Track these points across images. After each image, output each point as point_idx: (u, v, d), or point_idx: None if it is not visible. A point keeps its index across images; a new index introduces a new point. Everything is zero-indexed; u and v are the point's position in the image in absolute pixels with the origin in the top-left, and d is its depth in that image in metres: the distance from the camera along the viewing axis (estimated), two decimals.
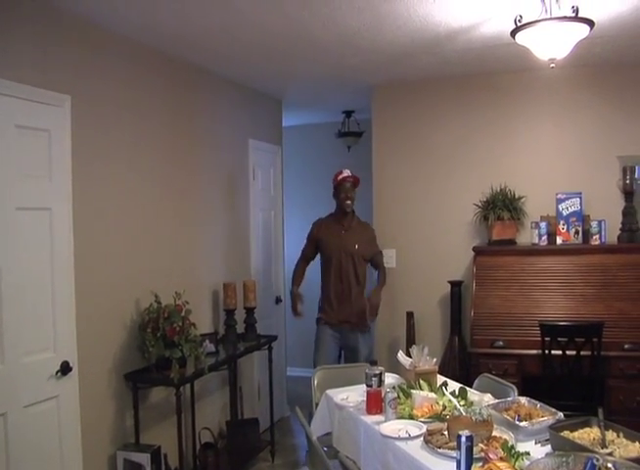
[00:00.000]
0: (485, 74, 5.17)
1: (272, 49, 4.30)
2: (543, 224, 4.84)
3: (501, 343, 4.39)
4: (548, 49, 3.36)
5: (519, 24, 3.26)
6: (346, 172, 4.98)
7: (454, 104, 5.36)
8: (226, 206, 5.10)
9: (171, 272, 4.28)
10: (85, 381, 3.52)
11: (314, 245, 5.09)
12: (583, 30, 3.22)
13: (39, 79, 3.22)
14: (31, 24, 3.19)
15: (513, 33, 3.34)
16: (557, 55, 3.37)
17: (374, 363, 3.24)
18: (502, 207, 4.99)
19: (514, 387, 3.38)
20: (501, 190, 5.10)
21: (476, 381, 3.69)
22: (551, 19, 3.15)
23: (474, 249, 4.97)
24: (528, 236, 4.99)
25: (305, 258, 5.19)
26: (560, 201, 4.80)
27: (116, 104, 3.83)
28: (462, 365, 4.81)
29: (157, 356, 3.78)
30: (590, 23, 3.18)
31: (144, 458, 3.67)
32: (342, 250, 4.92)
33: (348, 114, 6.87)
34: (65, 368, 3.36)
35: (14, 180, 3.10)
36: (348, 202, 4.95)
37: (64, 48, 3.41)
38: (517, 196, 5.05)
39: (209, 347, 4.25)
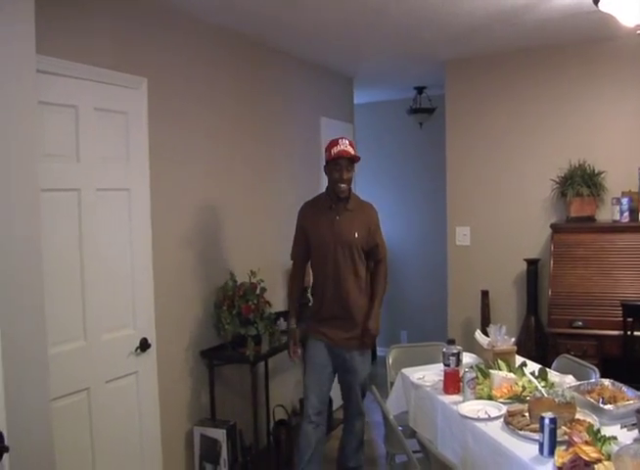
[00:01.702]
0: (564, 46, 4.97)
1: (345, 25, 4.24)
2: (625, 200, 4.65)
3: (580, 323, 4.26)
4: (635, 14, 3.19)
5: None
6: (344, 144, 3.67)
7: (530, 77, 5.18)
8: (299, 184, 5.09)
9: (246, 251, 4.32)
10: (163, 357, 3.60)
11: (304, 239, 3.84)
12: None
13: (116, 63, 3.27)
14: (109, 9, 3.24)
15: (596, 0, 3.19)
16: None
17: (451, 342, 3.17)
18: (581, 182, 4.81)
19: (595, 369, 3.29)
20: (580, 165, 4.92)
21: (555, 362, 3.60)
22: None
23: (551, 226, 4.83)
24: (609, 213, 4.81)
25: (299, 262, 3.91)
26: None
27: (191, 85, 3.87)
28: (538, 346, 4.70)
29: (232, 334, 3.84)
30: None
31: (220, 434, 3.74)
32: (337, 242, 3.70)
33: (420, 90, 6.74)
34: (143, 345, 3.45)
35: (94, 162, 3.18)
36: (343, 185, 3.68)
37: (140, 31, 3.45)
38: (596, 171, 4.86)
39: (284, 325, 4.28)
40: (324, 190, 3.92)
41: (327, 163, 3.73)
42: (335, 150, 3.65)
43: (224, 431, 3.75)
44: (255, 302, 3.84)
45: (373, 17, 4.08)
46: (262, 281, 3.96)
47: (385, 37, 4.60)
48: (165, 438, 3.62)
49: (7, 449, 1.75)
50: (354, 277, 3.75)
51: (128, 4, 3.35)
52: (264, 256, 4.53)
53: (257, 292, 3.91)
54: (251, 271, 3.96)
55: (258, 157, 4.58)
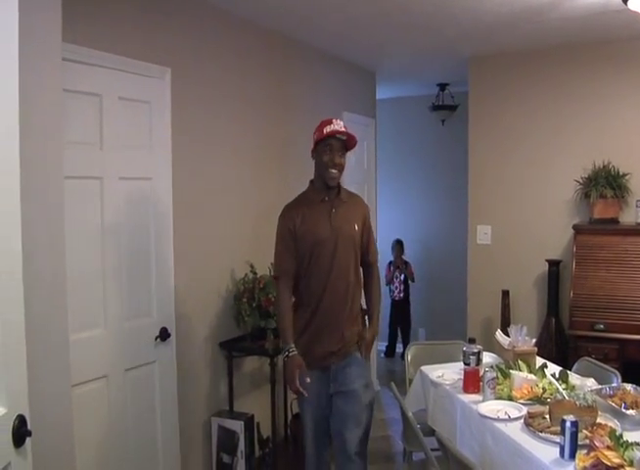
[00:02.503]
0: (589, 44, 4.91)
1: (368, 20, 4.22)
2: None
3: (602, 326, 4.22)
4: None
5: None
6: (338, 124, 3.15)
7: (554, 76, 5.12)
8: None
9: (267, 243, 4.28)
10: (182, 347, 3.61)
11: (294, 248, 3.18)
12: None
13: (141, 52, 3.27)
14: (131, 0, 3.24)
15: None
16: None
17: (472, 341, 3.16)
18: (605, 184, 4.76)
19: (617, 373, 3.25)
20: (604, 166, 4.86)
21: (575, 364, 3.57)
22: None
23: (574, 227, 4.78)
24: (633, 215, 4.75)
25: (287, 278, 3.22)
26: None
27: (215, 76, 3.87)
28: (559, 347, 4.66)
29: (252, 326, 3.84)
30: None
31: (238, 426, 3.75)
32: (339, 237, 3.16)
33: (443, 86, 6.70)
34: (163, 334, 3.46)
35: (117, 150, 3.19)
36: (334, 171, 3.13)
37: (164, 21, 3.45)
38: (621, 173, 4.81)
39: None
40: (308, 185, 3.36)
41: (316, 144, 3.17)
42: (327, 129, 3.12)
43: (242, 423, 3.75)
44: (275, 294, 3.83)
45: (397, 12, 4.05)
46: None
47: (408, 33, 4.58)
48: (183, 428, 3.62)
49: (29, 434, 1.76)
50: (356, 278, 3.25)
51: None
52: None
53: None
54: (272, 264, 3.93)
55: (281, 148, 4.57)
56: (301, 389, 3.05)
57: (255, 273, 3.93)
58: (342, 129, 3.13)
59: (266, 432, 4.01)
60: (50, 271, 2.28)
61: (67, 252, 2.40)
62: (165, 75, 3.45)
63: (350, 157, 5.49)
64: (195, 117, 3.70)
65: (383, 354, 7.24)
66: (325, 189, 3.20)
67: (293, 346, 3.09)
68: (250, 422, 3.82)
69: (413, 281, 7.06)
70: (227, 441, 3.78)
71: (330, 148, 3.12)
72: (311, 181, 3.30)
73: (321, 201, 3.21)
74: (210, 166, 3.84)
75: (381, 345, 6.92)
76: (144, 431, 3.39)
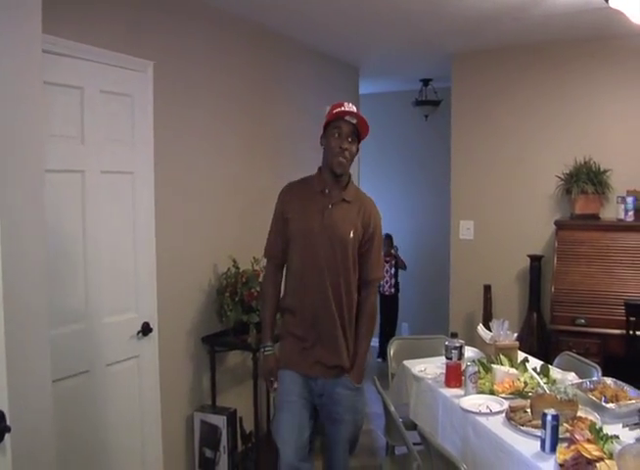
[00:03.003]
0: (572, 42, 4.94)
1: (352, 16, 4.21)
2: (630, 199, 4.63)
3: (583, 321, 4.25)
4: None
5: None
6: (349, 106, 2.86)
7: (538, 73, 5.15)
8: (304, 172, 5.04)
9: (249, 238, 4.29)
10: (164, 342, 3.59)
11: (284, 230, 2.96)
12: None
13: (123, 45, 3.24)
14: None
15: None
16: None
17: (454, 335, 3.17)
18: (586, 180, 4.80)
19: (597, 367, 3.28)
20: (585, 162, 4.90)
21: (556, 359, 3.59)
22: None
23: (556, 223, 4.81)
24: (614, 211, 4.79)
25: (277, 261, 3.04)
26: None
27: (198, 70, 3.84)
28: (540, 342, 4.69)
29: (234, 321, 3.83)
30: None
31: (220, 420, 3.75)
32: (327, 238, 2.84)
33: (426, 82, 6.71)
34: (145, 329, 3.45)
35: (99, 144, 3.16)
36: (341, 158, 2.83)
37: (148, 14, 3.42)
38: (602, 169, 4.85)
39: None
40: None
41: (325, 128, 2.90)
42: (338, 110, 2.84)
43: (224, 417, 3.75)
44: (258, 289, 3.82)
45: (382, 8, 4.05)
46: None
47: (392, 28, 4.58)
48: (166, 423, 3.61)
49: (9, 429, 1.75)
50: (345, 288, 2.87)
51: None
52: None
53: (260, 279, 3.88)
54: (254, 258, 3.94)
55: (264, 144, 4.56)
56: (272, 390, 2.99)
57: (238, 268, 3.93)
58: (354, 110, 2.85)
59: (249, 426, 4.00)
60: (30, 265, 2.26)
61: (48, 245, 2.38)
62: (148, 69, 3.42)
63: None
64: (178, 111, 3.68)
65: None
66: (330, 179, 2.90)
67: (269, 344, 2.97)
68: (232, 417, 3.81)
69: (405, 269, 7.02)
70: (210, 436, 3.77)
71: (338, 131, 2.83)
72: (319, 168, 3.00)
73: (320, 191, 2.92)
74: (193, 161, 3.82)
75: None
76: (126, 426, 3.37)
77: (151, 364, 3.52)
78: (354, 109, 2.87)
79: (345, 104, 2.87)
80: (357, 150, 2.91)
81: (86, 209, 3.09)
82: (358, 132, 2.88)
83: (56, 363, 2.52)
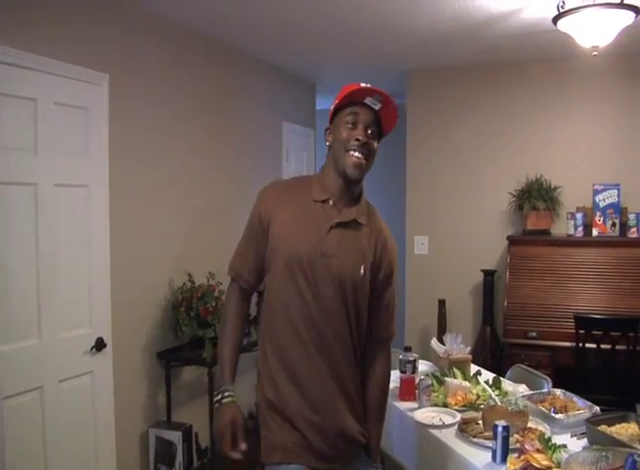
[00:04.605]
0: (523, 62, 5.08)
1: (307, 32, 4.27)
2: (579, 215, 4.76)
3: (534, 334, 4.34)
4: (591, 36, 3.32)
5: (561, 11, 3.23)
6: (367, 86, 2.03)
7: (491, 92, 5.28)
8: (260, 188, 5.06)
9: (205, 252, 4.29)
10: (119, 358, 3.55)
11: (260, 247, 2.11)
12: (628, 17, 3.19)
13: (79, 58, 3.23)
14: (72, 3, 3.19)
15: (555, 20, 3.30)
16: (600, 43, 3.34)
17: (408, 349, 3.20)
18: (537, 196, 4.92)
19: (548, 379, 3.34)
20: (537, 179, 5.03)
21: (509, 371, 3.65)
22: (595, 5, 3.11)
23: (508, 238, 4.91)
24: (564, 227, 4.92)
25: (242, 284, 2.19)
26: (597, 192, 4.71)
27: (154, 83, 3.84)
28: (494, 355, 4.78)
29: (190, 336, 3.82)
30: (636, 9, 3.15)
31: (175, 436, 3.71)
32: (328, 273, 2.00)
33: None
34: (99, 344, 3.40)
35: (53, 157, 3.12)
36: (358, 155, 2.01)
37: (103, 27, 3.41)
38: (553, 186, 4.98)
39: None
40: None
41: (333, 116, 2.11)
42: (353, 89, 2.02)
43: (180, 433, 3.72)
44: (214, 304, 3.82)
45: (337, 27, 4.12)
46: (221, 283, 3.92)
47: (346, 46, 4.66)
48: (120, 439, 3.56)
49: None
50: (351, 344, 2.06)
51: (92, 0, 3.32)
52: (223, 257, 4.46)
53: (216, 294, 3.88)
54: (210, 273, 3.93)
55: (220, 158, 4.56)
56: (235, 454, 1.99)
57: (193, 282, 3.91)
58: (376, 89, 2.01)
59: (205, 442, 3.97)
60: None
61: None
62: (104, 82, 3.41)
63: (291, 166, 5.59)
64: (133, 124, 3.67)
65: None
66: (338, 187, 2.07)
67: (230, 388, 2.08)
68: (188, 432, 3.78)
69: None
70: (165, 452, 3.73)
71: (354, 118, 2.02)
72: (322, 168, 2.16)
73: (322, 202, 2.06)
74: (148, 175, 3.81)
75: None
76: (79, 443, 3.31)
77: (105, 380, 3.47)
78: (375, 88, 2.02)
79: (363, 84, 2.03)
80: (377, 150, 2.08)
81: (39, 222, 3.05)
82: (381, 124, 2.08)
83: (6, 380, 2.49)
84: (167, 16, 3.84)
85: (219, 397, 2.08)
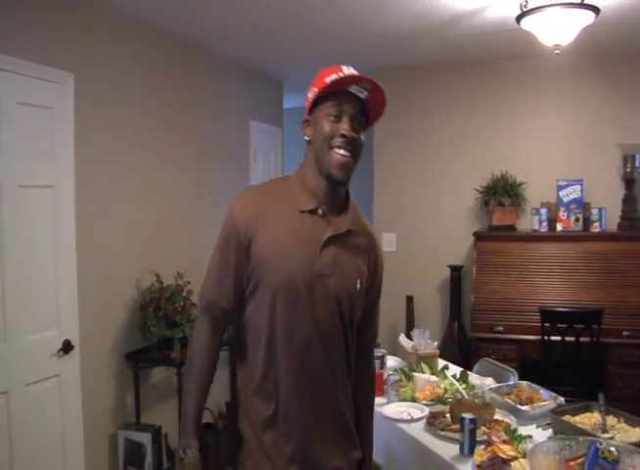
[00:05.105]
0: (488, 60, 5.15)
1: (274, 30, 4.27)
2: (544, 211, 4.85)
3: (501, 328, 4.41)
4: (553, 35, 3.39)
5: (524, 10, 3.29)
6: (350, 70, 1.79)
7: (456, 89, 5.34)
8: (227, 187, 5.07)
9: (173, 252, 4.27)
10: (86, 360, 3.52)
11: (239, 270, 1.83)
12: (589, 17, 3.26)
13: (43, 57, 3.18)
14: (36, 2, 3.15)
15: (518, 19, 3.36)
16: (562, 41, 3.41)
17: (376, 345, 3.23)
18: (503, 192, 5.00)
19: (514, 371, 3.40)
20: (502, 176, 5.10)
21: (476, 365, 3.70)
22: (557, 4, 3.17)
23: (474, 234, 4.98)
24: (529, 222, 5.00)
25: (216, 315, 1.88)
26: (560, 188, 4.81)
27: (120, 82, 3.81)
28: (461, 350, 4.84)
29: (158, 336, 3.80)
30: (596, 9, 3.22)
31: (145, 438, 3.69)
32: (324, 294, 1.79)
33: None
34: (66, 347, 3.37)
35: (17, 157, 3.08)
36: (344, 153, 1.78)
37: (68, 26, 3.37)
38: (518, 182, 5.06)
39: None
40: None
41: (312, 107, 1.86)
42: (333, 77, 1.77)
43: (149, 435, 3.69)
44: (182, 304, 3.80)
45: (304, 25, 4.13)
46: (189, 283, 3.92)
47: (315, 45, 4.67)
48: (89, 442, 3.53)
49: None
50: (345, 359, 1.88)
51: None
52: (191, 257, 4.47)
53: (184, 294, 3.86)
54: (178, 273, 3.92)
55: (187, 158, 4.54)
56: None
57: (161, 282, 3.89)
58: (363, 75, 1.77)
59: (174, 443, 3.95)
60: None
61: None
62: (69, 81, 3.37)
63: (258, 165, 5.60)
64: (99, 123, 3.63)
65: None
66: (324, 190, 1.84)
67: (194, 443, 1.84)
68: (157, 434, 3.76)
69: None
70: (134, 454, 3.71)
71: (338, 110, 1.78)
72: (302, 167, 1.93)
73: (310, 212, 1.82)
74: (115, 175, 3.77)
75: None
76: (47, 447, 3.28)
77: (72, 383, 3.44)
78: (362, 75, 1.77)
79: (343, 67, 1.80)
80: (364, 144, 1.85)
81: (3, 223, 3.00)
82: (367, 114, 1.84)
83: None
84: (133, 14, 3.81)
85: (183, 454, 1.85)
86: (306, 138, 1.89)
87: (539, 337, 4.19)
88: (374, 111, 1.85)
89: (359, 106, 1.80)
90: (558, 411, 2.54)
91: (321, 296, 1.78)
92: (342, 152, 1.77)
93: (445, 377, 3.14)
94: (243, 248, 1.80)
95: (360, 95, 1.78)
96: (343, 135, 1.77)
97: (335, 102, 1.78)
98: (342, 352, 1.85)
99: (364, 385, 2.04)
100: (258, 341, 1.82)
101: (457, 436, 2.42)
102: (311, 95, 1.84)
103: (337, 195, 1.86)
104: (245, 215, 1.80)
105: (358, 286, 1.86)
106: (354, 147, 1.79)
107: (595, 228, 4.70)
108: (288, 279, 1.76)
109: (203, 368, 1.88)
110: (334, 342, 1.82)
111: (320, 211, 1.82)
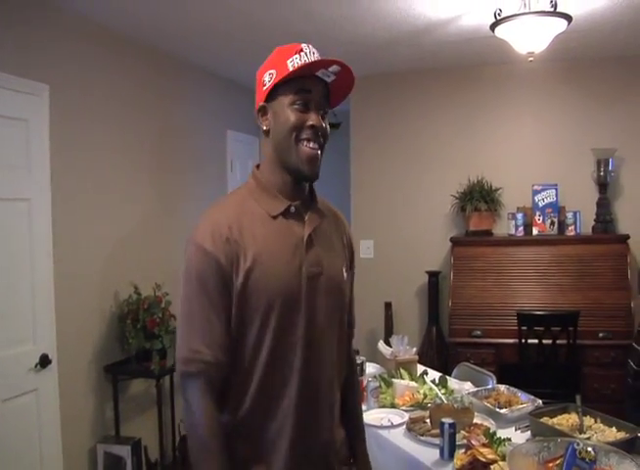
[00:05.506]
0: (463, 68, 5.21)
1: (249, 41, 4.27)
2: (519, 215, 4.90)
3: (479, 332, 4.45)
4: (527, 43, 3.44)
5: (498, 18, 3.33)
6: (311, 51, 1.65)
7: (433, 96, 5.39)
8: (205, 197, 5.07)
9: (151, 263, 4.25)
10: (65, 373, 3.49)
11: (229, 312, 1.57)
12: (561, 25, 3.31)
13: (17, 68, 3.17)
14: (10, 12, 3.14)
15: (492, 27, 3.40)
16: (535, 49, 3.46)
17: (356, 352, 3.24)
18: (479, 198, 5.04)
19: (492, 375, 3.42)
20: (478, 181, 5.14)
21: (455, 370, 3.72)
22: (530, 13, 3.22)
23: (451, 239, 5.01)
24: (505, 227, 5.05)
25: (212, 375, 1.56)
26: (536, 192, 4.86)
27: (96, 94, 3.79)
28: (440, 355, 4.86)
29: (137, 348, 3.78)
30: (568, 17, 3.27)
31: (124, 451, 3.66)
32: (315, 293, 1.64)
33: None
34: (44, 361, 3.33)
35: None
36: (313, 146, 1.61)
37: (43, 37, 3.36)
38: (494, 187, 5.10)
39: None
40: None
41: (270, 93, 1.64)
42: (298, 59, 1.61)
43: (129, 447, 3.67)
44: (161, 315, 3.79)
45: (278, 34, 4.13)
46: (167, 294, 3.91)
47: None
48: (68, 456, 3.50)
49: None
50: (337, 357, 1.75)
51: (31, 9, 3.26)
52: (169, 269, 4.46)
53: (163, 305, 3.85)
54: (156, 284, 3.91)
55: (164, 169, 4.53)
56: None
57: (139, 294, 3.87)
58: (334, 60, 1.61)
59: (154, 455, 3.94)
60: None
61: None
62: (44, 93, 3.35)
63: (236, 175, 5.61)
64: (75, 135, 3.61)
65: None
66: (292, 187, 1.68)
67: None
68: (137, 446, 3.74)
69: None
70: (114, 467, 3.68)
71: (305, 97, 1.61)
72: (261, 166, 1.74)
73: (283, 214, 1.65)
74: (91, 186, 3.75)
75: None
76: (26, 462, 3.24)
77: (50, 397, 3.40)
78: (333, 58, 1.61)
79: (305, 46, 1.66)
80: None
81: None
82: (330, 98, 1.68)
83: None
84: (107, 24, 3.80)
85: None
86: (264, 128, 1.67)
87: (517, 340, 4.23)
88: (337, 93, 1.68)
89: (325, 91, 1.64)
90: (536, 413, 2.57)
91: (313, 297, 1.63)
92: (311, 145, 1.61)
93: (424, 382, 3.15)
94: (227, 278, 1.56)
95: (327, 79, 1.62)
96: (313, 126, 1.60)
97: (300, 88, 1.60)
98: (336, 350, 1.73)
99: (354, 385, 1.97)
100: (251, 362, 1.60)
101: (437, 440, 2.43)
102: (269, 79, 1.63)
103: (302, 188, 1.70)
104: (218, 242, 1.56)
105: (345, 275, 1.76)
106: (324, 138, 1.64)
107: (570, 232, 4.75)
108: (283, 291, 1.58)
109: (220, 448, 1.56)
110: (331, 341, 1.70)
111: (293, 209, 1.66)
